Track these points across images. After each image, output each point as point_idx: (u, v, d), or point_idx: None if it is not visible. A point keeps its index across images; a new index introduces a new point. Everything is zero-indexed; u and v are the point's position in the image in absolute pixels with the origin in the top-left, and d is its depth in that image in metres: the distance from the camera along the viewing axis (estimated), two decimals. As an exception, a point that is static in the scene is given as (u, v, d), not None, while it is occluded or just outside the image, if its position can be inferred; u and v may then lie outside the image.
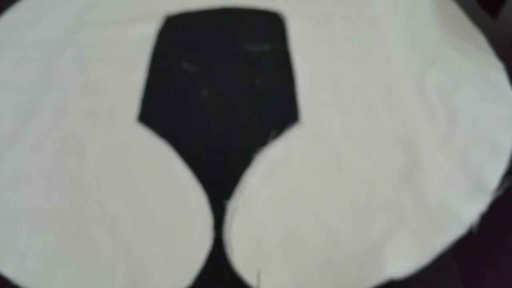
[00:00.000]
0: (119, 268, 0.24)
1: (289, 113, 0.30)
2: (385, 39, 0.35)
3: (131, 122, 0.30)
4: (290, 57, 0.34)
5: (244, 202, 0.26)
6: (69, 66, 0.34)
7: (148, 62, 0.34)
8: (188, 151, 0.28)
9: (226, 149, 0.29)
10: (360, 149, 0.28)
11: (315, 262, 0.24)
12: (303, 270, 0.23)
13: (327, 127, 0.29)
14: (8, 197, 0.27)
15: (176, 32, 0.36)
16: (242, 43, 0.35)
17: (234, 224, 0.25)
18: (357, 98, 0.31)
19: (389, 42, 0.35)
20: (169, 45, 0.35)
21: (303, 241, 0.24)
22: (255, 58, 0.34)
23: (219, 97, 0.32)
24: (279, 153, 0.28)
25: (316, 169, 0.27)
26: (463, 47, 0.34)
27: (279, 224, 0.25)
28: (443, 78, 0.32)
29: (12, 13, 0.38)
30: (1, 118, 0.30)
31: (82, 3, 0.38)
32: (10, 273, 0.24)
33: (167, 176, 0.27)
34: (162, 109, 0.31)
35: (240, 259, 0.24)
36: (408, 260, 0.23)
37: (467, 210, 0.25)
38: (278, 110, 0.31)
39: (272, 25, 0.37)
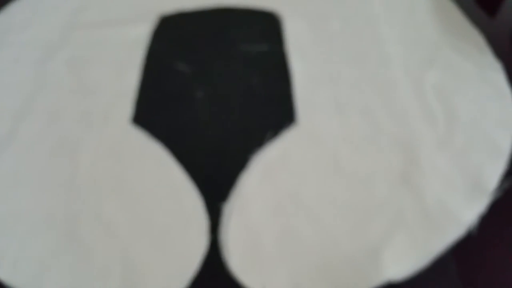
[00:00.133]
0: (115, 271, 0.23)
1: (286, 114, 0.30)
2: (383, 39, 0.35)
3: (125, 123, 0.30)
4: (286, 57, 0.34)
5: (241, 204, 0.26)
6: (62, 67, 0.33)
7: (142, 63, 0.33)
8: (183, 153, 0.28)
9: (222, 150, 0.28)
10: (357, 150, 0.28)
11: (312, 264, 0.23)
12: (300, 273, 0.23)
13: (324, 128, 0.29)
14: (1, 199, 0.26)
15: (170, 33, 0.36)
16: (238, 44, 0.35)
17: (231, 226, 0.25)
18: (354, 99, 0.31)
19: (386, 42, 0.34)
20: (164, 45, 0.35)
21: (300, 244, 0.24)
22: (251, 58, 0.34)
23: (215, 98, 0.32)
24: (276, 154, 0.28)
25: (313, 170, 0.27)
26: (461, 47, 0.34)
27: (276, 226, 0.25)
28: (441, 78, 0.32)
29: (4, 15, 0.38)
30: (-6, 120, 0.30)
31: (76, 4, 0.38)
32: (4, 276, 0.23)
33: (162, 178, 0.27)
34: (156, 111, 0.31)
35: (237, 262, 0.24)
36: (406, 262, 0.23)
37: (466, 212, 0.25)
38: (274, 111, 0.31)
39: (268, 25, 0.36)
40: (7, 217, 0.26)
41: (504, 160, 0.27)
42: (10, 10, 0.38)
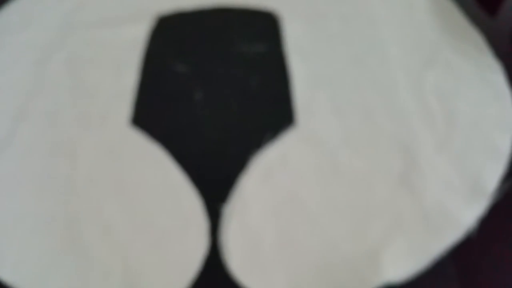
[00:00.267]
0: (115, 272, 0.23)
1: (285, 115, 0.30)
2: (382, 39, 0.34)
3: (123, 125, 0.30)
4: (285, 58, 0.33)
5: (240, 206, 0.26)
6: (60, 68, 0.33)
7: (140, 63, 0.33)
8: (182, 154, 0.28)
9: (221, 152, 0.28)
10: (356, 152, 0.28)
11: (311, 266, 0.23)
12: (299, 275, 0.23)
13: (323, 129, 0.29)
14: (1, 201, 0.26)
15: (168, 33, 0.36)
16: (236, 44, 0.35)
17: (230, 228, 0.25)
18: (353, 100, 0.31)
19: (386, 42, 0.34)
20: (162, 46, 0.35)
21: (299, 246, 0.24)
22: (250, 59, 0.34)
23: (213, 99, 0.31)
24: (275, 156, 0.28)
25: (312, 172, 0.27)
26: (460, 48, 0.34)
27: (275, 228, 0.25)
28: (441, 79, 0.32)
29: (1, 16, 0.38)
30: (-8, 121, 0.30)
31: (73, 5, 0.38)
32: (5, 277, 0.23)
33: (161, 180, 0.27)
34: (155, 112, 0.31)
35: (237, 263, 0.24)
36: (405, 265, 0.23)
37: (465, 214, 0.25)
38: (273, 112, 0.30)
39: (267, 26, 0.36)
40: (7, 218, 0.26)
41: (504, 162, 0.27)
42: (6, 12, 0.38)
